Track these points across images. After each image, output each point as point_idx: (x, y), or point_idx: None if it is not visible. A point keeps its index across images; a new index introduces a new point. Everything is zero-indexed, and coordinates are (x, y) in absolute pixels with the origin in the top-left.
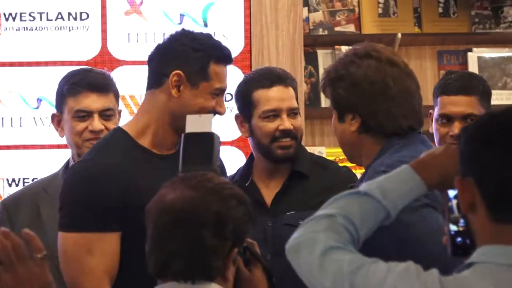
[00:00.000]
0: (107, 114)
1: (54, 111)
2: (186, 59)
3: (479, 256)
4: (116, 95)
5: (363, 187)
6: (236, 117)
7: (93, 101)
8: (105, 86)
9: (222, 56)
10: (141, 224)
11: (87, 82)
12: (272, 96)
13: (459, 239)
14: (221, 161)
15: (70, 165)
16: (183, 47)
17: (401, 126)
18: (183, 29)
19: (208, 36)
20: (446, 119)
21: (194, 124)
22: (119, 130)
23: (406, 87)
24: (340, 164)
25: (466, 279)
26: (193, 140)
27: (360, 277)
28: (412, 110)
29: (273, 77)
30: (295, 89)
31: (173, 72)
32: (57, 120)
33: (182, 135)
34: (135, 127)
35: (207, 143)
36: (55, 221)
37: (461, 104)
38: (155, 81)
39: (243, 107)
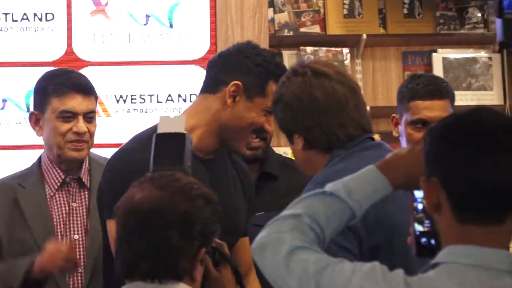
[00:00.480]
0: (90, 116)
1: (19, 112)
2: (247, 71)
3: (445, 256)
4: (96, 98)
5: (328, 187)
6: None
7: (78, 103)
8: (89, 88)
9: (280, 76)
10: None
11: (73, 82)
12: None
13: (424, 239)
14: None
15: (42, 162)
16: (246, 59)
17: (337, 137)
18: (248, 42)
19: (272, 55)
20: (421, 123)
21: (166, 124)
22: None
23: (338, 96)
24: None
25: (431, 279)
26: (165, 140)
27: (325, 277)
28: (350, 118)
29: None
30: None
31: (233, 82)
32: (35, 119)
33: (154, 135)
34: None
35: (178, 143)
36: (38, 215)
37: (436, 108)
38: (212, 86)
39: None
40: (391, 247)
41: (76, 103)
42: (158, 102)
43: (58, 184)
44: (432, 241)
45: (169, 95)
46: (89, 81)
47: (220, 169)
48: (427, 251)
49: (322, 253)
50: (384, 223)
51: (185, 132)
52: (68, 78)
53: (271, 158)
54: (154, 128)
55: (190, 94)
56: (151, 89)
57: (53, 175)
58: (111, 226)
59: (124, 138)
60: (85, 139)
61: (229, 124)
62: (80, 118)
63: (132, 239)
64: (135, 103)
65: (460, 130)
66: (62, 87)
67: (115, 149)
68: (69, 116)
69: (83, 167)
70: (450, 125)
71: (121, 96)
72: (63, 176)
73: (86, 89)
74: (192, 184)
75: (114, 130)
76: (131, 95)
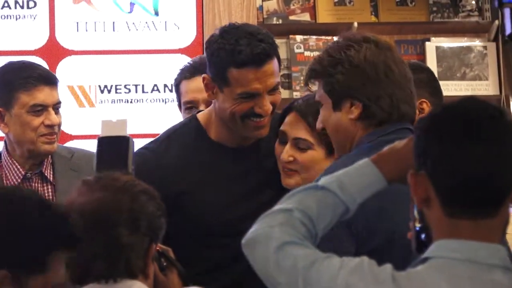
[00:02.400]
0: (57, 107)
1: None
2: (209, 63)
3: (434, 250)
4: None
5: (322, 181)
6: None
7: (47, 95)
8: (55, 79)
9: (241, 60)
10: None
11: (40, 74)
12: (193, 88)
13: (423, 235)
14: None
15: (2, 159)
16: (208, 50)
17: (399, 110)
18: (222, 27)
19: (231, 40)
20: None
21: (109, 128)
22: (193, 119)
23: (405, 72)
24: None
25: (419, 274)
26: (107, 144)
27: (313, 272)
28: (410, 95)
29: (193, 68)
30: None
31: (202, 76)
32: None
33: (97, 139)
34: (206, 120)
35: (122, 147)
36: None
37: None
38: None
39: (177, 98)
40: (390, 250)
41: (45, 95)
42: (143, 92)
43: (19, 180)
44: (423, 236)
45: (155, 85)
46: (52, 72)
47: (251, 159)
48: (426, 247)
49: (312, 248)
50: (383, 225)
51: (128, 135)
52: (33, 70)
53: None
54: (178, 125)
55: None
56: (136, 79)
57: (13, 171)
58: None
59: None
60: (56, 131)
61: (220, 116)
62: (51, 110)
63: (81, 245)
64: (120, 93)
65: (446, 122)
66: (31, 80)
67: None
68: (40, 109)
69: (45, 160)
70: (437, 117)
71: (105, 86)
72: (23, 172)
73: (53, 80)
74: (132, 181)
75: (98, 121)
76: (116, 85)
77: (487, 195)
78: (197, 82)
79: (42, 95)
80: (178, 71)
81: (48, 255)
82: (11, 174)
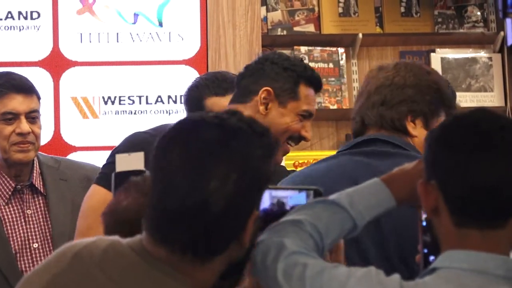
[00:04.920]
0: (32, 116)
1: None
2: (276, 76)
3: (442, 261)
4: (39, 98)
5: (333, 196)
6: None
7: (19, 103)
8: (29, 88)
9: (313, 79)
10: None
11: (12, 83)
12: (226, 105)
13: (432, 257)
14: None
15: None
16: (274, 65)
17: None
18: (275, 51)
19: (300, 59)
20: None
21: (124, 162)
22: None
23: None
24: (299, 169)
25: (427, 285)
26: (125, 178)
27: (321, 281)
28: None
29: (228, 85)
30: None
31: (263, 89)
32: None
33: (113, 175)
34: None
35: None
36: None
37: None
38: (242, 97)
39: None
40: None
41: (17, 103)
42: (147, 103)
43: (10, 193)
44: (431, 258)
45: (159, 96)
46: (30, 81)
47: None
48: None
49: (319, 259)
50: None
51: (144, 169)
52: (7, 79)
53: None
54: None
55: (181, 95)
56: (140, 90)
57: (3, 184)
58: (93, 190)
59: (113, 140)
60: (30, 140)
61: None
62: (22, 118)
63: None
64: (123, 104)
65: (457, 132)
66: (1, 88)
67: (104, 152)
68: (10, 118)
69: (34, 171)
70: (448, 127)
71: (109, 98)
72: (13, 184)
73: (26, 89)
74: None
75: (102, 132)
76: (120, 97)
77: (496, 206)
78: (228, 100)
79: (13, 103)
80: (197, 84)
81: None
82: (1, 187)
